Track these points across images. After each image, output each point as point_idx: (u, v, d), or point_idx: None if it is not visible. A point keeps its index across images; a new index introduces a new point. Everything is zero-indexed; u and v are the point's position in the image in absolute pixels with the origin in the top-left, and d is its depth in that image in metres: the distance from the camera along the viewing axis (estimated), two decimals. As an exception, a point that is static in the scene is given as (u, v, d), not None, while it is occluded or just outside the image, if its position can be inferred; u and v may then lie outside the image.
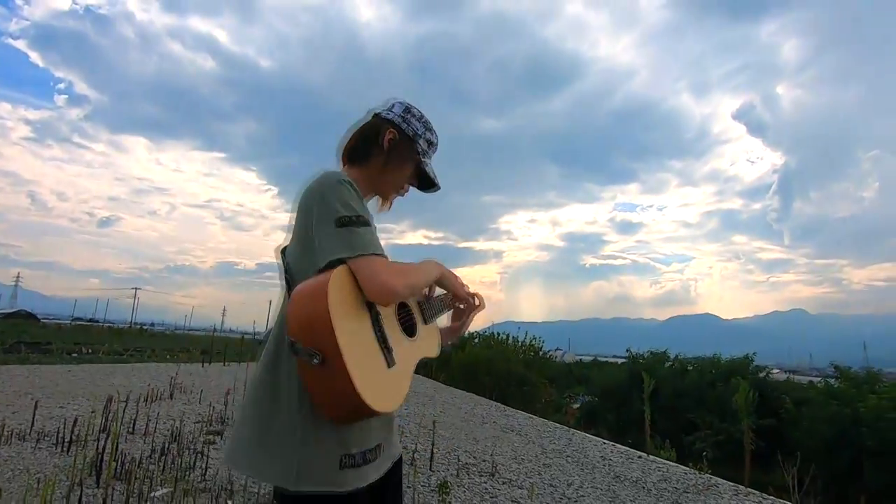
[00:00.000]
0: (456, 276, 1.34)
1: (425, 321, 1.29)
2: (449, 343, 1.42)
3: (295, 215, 1.16)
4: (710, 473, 4.47)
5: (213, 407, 5.64)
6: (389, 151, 1.23)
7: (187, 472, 3.42)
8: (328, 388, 0.96)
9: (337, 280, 0.99)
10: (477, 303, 1.44)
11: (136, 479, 3.18)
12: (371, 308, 1.05)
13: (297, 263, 1.12)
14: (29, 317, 55.83)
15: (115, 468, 3.29)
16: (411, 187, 1.33)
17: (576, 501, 3.51)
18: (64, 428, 4.10)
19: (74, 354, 15.64)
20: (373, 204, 1.30)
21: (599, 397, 17.96)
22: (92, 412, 5.01)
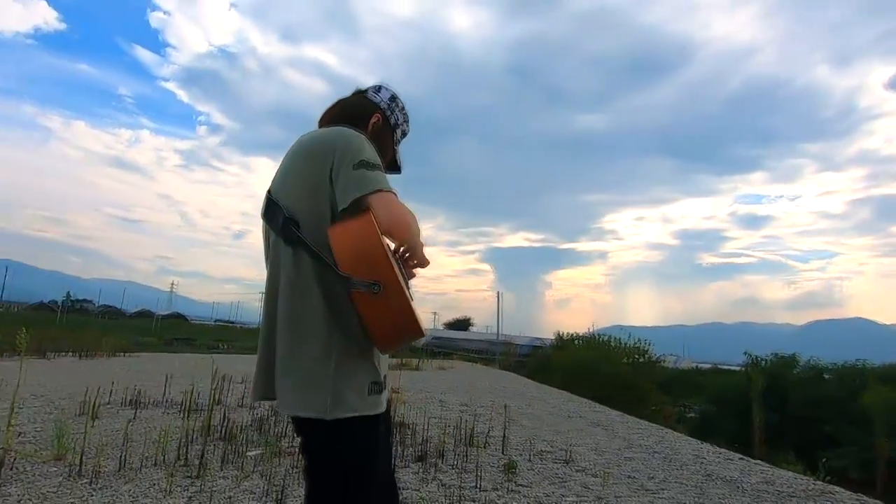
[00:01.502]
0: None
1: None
2: None
3: (293, 159, 1.21)
4: (825, 481, 3.91)
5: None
6: (373, 136, 1.26)
7: (279, 439, 3.81)
8: (388, 315, 1.06)
9: (374, 217, 1.10)
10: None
11: (236, 439, 3.63)
12: (389, 249, 1.16)
13: (299, 204, 1.16)
14: (181, 318, 65.26)
15: (222, 431, 3.77)
16: None
17: (655, 493, 3.29)
18: (189, 399, 4.79)
19: (214, 348, 18.10)
20: None
21: (715, 405, 16.36)
22: (214, 388, 5.76)
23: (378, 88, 1.37)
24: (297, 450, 3.53)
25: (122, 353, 10.58)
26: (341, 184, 1.11)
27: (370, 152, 1.15)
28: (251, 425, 4.13)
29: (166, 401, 4.96)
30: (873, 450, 10.43)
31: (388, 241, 1.16)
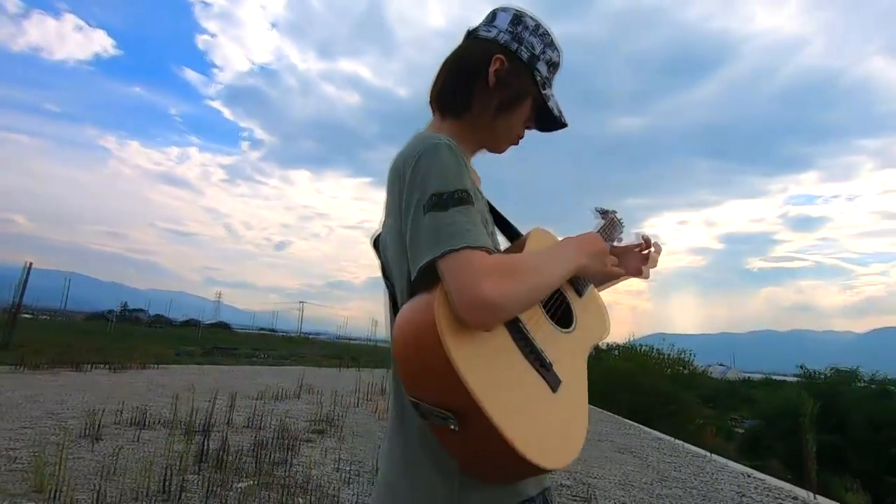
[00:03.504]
0: (605, 256, 0.89)
1: (580, 293, 0.91)
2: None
3: (386, 193, 0.82)
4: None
5: (322, 406, 5.98)
6: (497, 89, 0.85)
7: (274, 467, 3.59)
8: (477, 454, 0.68)
9: (443, 301, 0.66)
10: (653, 249, 1.06)
11: (228, 469, 3.44)
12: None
13: (394, 263, 0.79)
14: (225, 327, 67.64)
15: (217, 457, 3.59)
16: (529, 129, 0.94)
17: (685, 544, 2.87)
18: (195, 418, 4.67)
19: (254, 358, 18.47)
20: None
21: (766, 422, 15.22)
22: (231, 407, 5.67)
23: (493, 16, 0.90)
24: (289, 482, 3.31)
25: (155, 365, 10.79)
26: (410, 239, 0.72)
27: (450, 173, 0.72)
28: (250, 450, 3.95)
29: (174, 421, 4.86)
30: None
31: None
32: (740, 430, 21.52)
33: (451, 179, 0.71)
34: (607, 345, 22.51)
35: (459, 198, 0.70)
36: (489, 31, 0.88)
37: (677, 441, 6.71)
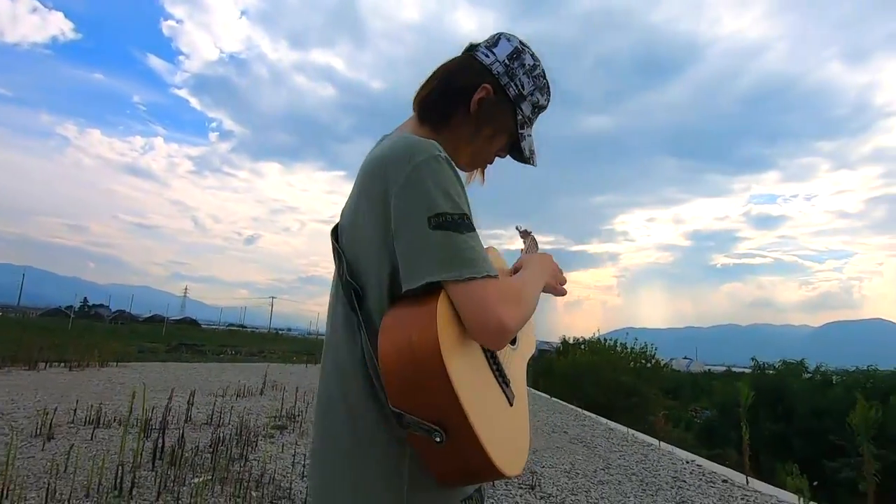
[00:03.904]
0: (558, 273, 0.98)
1: None
2: None
3: (355, 187, 0.82)
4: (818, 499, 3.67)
5: (285, 403, 6.04)
6: (477, 116, 0.87)
7: (231, 463, 3.67)
8: (457, 466, 0.72)
9: (444, 318, 0.69)
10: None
11: (184, 465, 3.50)
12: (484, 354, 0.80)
13: (361, 263, 0.79)
14: (192, 323, 66.02)
15: (177, 455, 3.64)
16: (501, 157, 0.98)
17: (616, 525, 3.10)
18: (152, 416, 4.68)
19: (221, 354, 18.15)
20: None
21: (720, 412, 15.96)
22: (190, 404, 5.66)
23: (495, 41, 0.90)
24: (244, 476, 3.39)
25: (115, 363, 10.56)
26: (408, 249, 0.72)
27: (453, 192, 0.73)
28: (208, 447, 4.00)
29: (130, 419, 4.84)
30: (886, 462, 10.03)
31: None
32: (698, 420, 22.43)
33: (458, 201, 0.73)
34: (575, 340, 23.12)
35: (470, 224, 0.73)
36: (487, 57, 0.88)
37: (632, 431, 7.04)
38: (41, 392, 6.21)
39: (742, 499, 3.83)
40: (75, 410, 4.88)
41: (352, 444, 0.76)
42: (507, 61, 0.88)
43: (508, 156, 0.96)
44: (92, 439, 4.17)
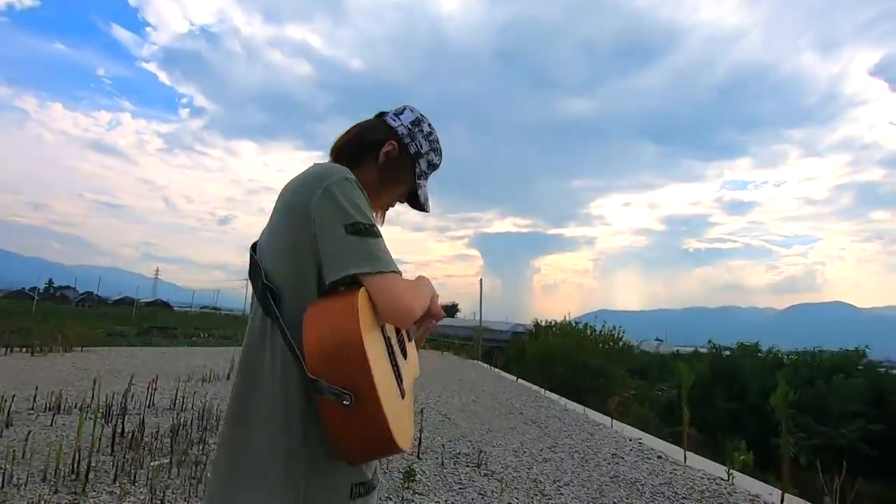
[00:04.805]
0: (434, 293, 1.17)
1: (409, 338, 1.21)
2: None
3: (274, 213, 1.00)
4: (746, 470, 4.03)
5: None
6: (385, 167, 1.10)
7: (190, 446, 3.81)
8: (358, 432, 0.85)
9: (364, 302, 0.88)
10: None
11: (143, 449, 3.63)
12: (382, 329, 0.97)
13: (279, 268, 0.96)
14: (164, 305, 64.76)
15: (136, 439, 3.76)
16: (401, 203, 1.22)
17: (551, 499, 3.38)
18: (113, 401, 4.76)
19: (194, 338, 17.95)
20: None
21: (679, 392, 16.73)
22: (154, 389, 5.74)
23: (401, 111, 1.16)
24: (202, 458, 3.55)
25: (80, 348, 10.46)
26: (330, 249, 0.91)
27: (363, 207, 0.94)
28: (168, 432, 4.13)
29: (92, 404, 4.92)
30: (825, 437, 10.77)
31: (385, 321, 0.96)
32: (664, 400, 23.36)
33: (367, 213, 0.94)
34: (548, 322, 23.69)
35: (378, 233, 0.94)
36: (394, 121, 1.13)
37: (589, 411, 7.42)
38: (1, 378, 6.19)
39: (671, 472, 4.16)
40: (35, 397, 4.93)
41: (253, 447, 0.91)
42: (409, 126, 1.13)
43: (407, 203, 1.22)
44: (51, 425, 4.25)
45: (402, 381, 0.99)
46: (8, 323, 14.00)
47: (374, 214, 1.00)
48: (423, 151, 1.14)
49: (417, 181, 1.15)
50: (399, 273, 0.94)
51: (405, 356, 1.12)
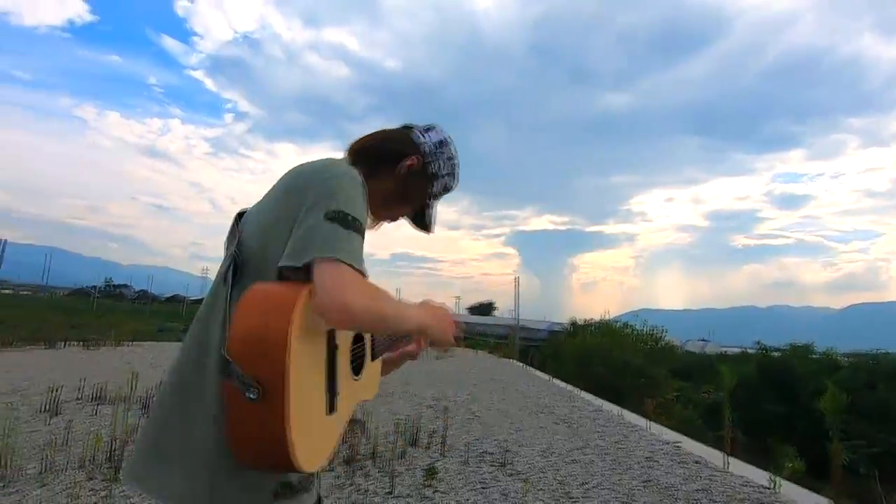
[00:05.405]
0: (450, 325, 1.07)
1: (373, 356, 1.13)
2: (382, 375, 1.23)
3: (272, 188, 0.97)
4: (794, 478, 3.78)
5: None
6: (403, 180, 1.07)
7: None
8: (255, 432, 0.76)
9: (307, 303, 0.80)
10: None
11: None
12: (330, 337, 0.89)
13: (253, 240, 0.91)
14: (211, 302, 67.53)
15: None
16: (404, 217, 1.19)
17: (576, 501, 3.26)
18: (153, 393, 4.97)
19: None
20: None
21: (725, 394, 16.01)
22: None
23: (428, 128, 1.13)
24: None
25: (130, 342, 11.02)
26: (301, 231, 0.84)
27: (357, 204, 0.89)
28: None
29: (132, 396, 5.15)
30: (888, 445, 10.02)
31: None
32: (710, 402, 22.46)
33: (357, 208, 0.88)
34: (585, 321, 23.25)
35: (359, 227, 0.87)
36: (420, 138, 1.11)
37: (624, 412, 7.18)
38: (57, 370, 6.58)
39: (709, 479, 3.94)
40: (82, 388, 5.20)
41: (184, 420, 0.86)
42: (435, 145, 1.12)
43: (409, 220, 1.17)
44: (95, 415, 4.46)
45: (336, 395, 0.90)
46: (69, 318, 14.96)
47: (366, 222, 0.93)
48: (441, 174, 1.12)
49: (428, 201, 1.14)
50: (359, 270, 0.83)
51: (357, 372, 1.03)
